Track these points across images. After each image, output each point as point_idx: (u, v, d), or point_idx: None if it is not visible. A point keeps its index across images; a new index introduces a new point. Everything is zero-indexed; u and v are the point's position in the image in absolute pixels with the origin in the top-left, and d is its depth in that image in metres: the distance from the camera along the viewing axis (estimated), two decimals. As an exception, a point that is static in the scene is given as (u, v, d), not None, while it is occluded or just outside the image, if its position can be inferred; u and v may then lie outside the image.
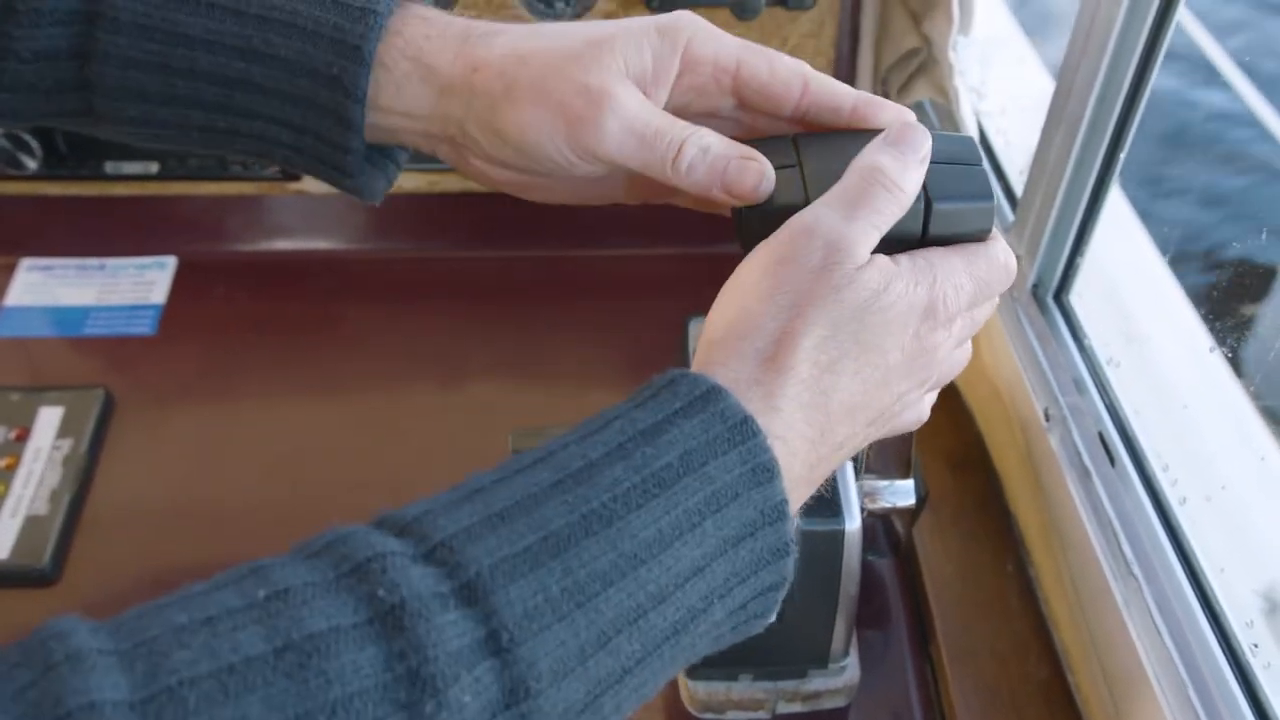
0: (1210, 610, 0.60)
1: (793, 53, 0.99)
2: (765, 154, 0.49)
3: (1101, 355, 0.73)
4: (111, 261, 1.00)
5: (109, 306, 0.96)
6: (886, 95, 0.98)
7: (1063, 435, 0.70)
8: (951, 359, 0.50)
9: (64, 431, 0.83)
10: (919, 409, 0.51)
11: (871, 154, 0.47)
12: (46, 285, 0.98)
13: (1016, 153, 0.89)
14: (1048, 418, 0.72)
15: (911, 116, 0.50)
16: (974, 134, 0.90)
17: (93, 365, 0.92)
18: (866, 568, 0.77)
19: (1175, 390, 0.73)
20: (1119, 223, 0.86)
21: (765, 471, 0.41)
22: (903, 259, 0.47)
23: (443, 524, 0.38)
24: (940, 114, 0.97)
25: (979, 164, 0.50)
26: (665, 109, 0.50)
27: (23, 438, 0.83)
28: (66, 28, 0.49)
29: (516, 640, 0.35)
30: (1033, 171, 0.77)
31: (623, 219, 1.03)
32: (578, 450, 0.40)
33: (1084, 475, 0.68)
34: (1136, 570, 0.63)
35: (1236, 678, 0.57)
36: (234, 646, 0.33)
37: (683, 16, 0.50)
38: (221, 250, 1.01)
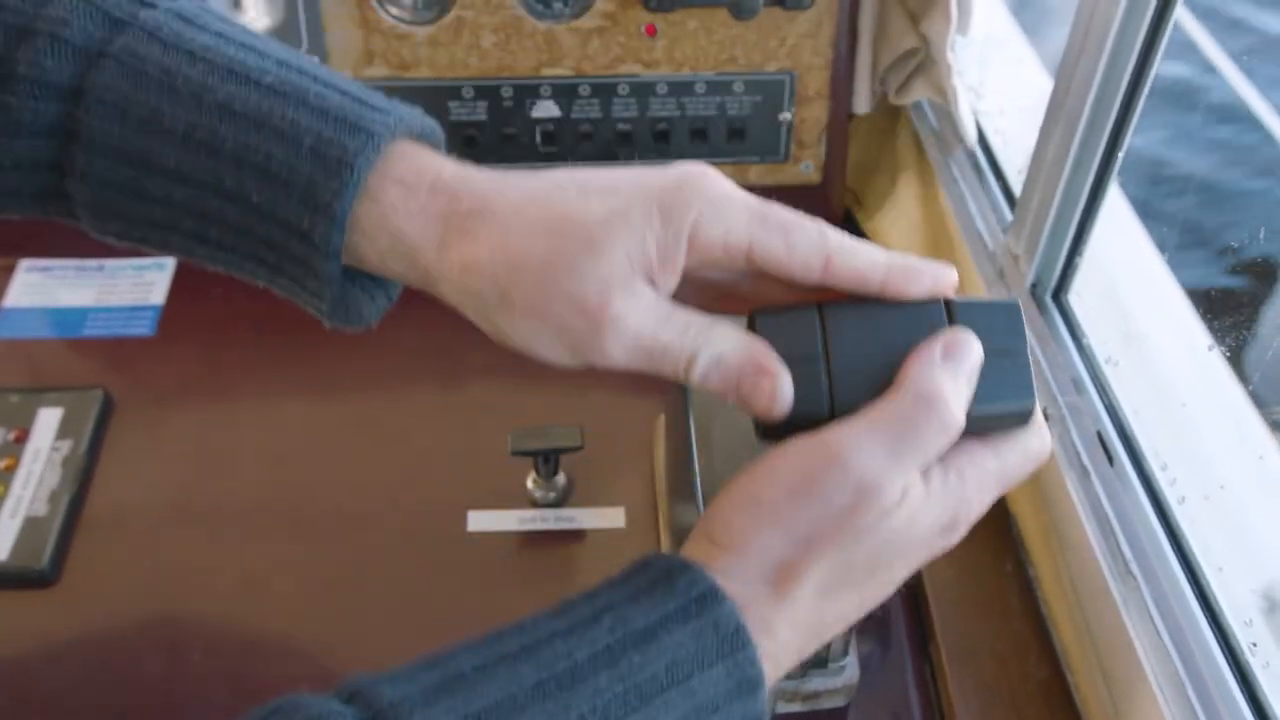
0: (1209, 609, 0.60)
1: (790, 53, 0.99)
2: (786, 333, 0.45)
3: (1100, 355, 0.73)
4: (110, 262, 1.00)
5: (108, 307, 0.96)
6: (885, 95, 0.98)
7: (1061, 435, 0.70)
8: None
9: (63, 432, 0.83)
10: None
11: (927, 372, 0.44)
12: (45, 286, 0.98)
13: (1015, 152, 0.89)
14: (1046, 417, 0.72)
15: (952, 276, 0.46)
16: (972, 133, 0.90)
17: (92, 366, 0.92)
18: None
19: (1174, 389, 0.73)
20: (1118, 221, 0.86)
21: (750, 684, 0.41)
22: (935, 481, 0.45)
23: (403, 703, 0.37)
24: (939, 114, 0.97)
25: (1022, 349, 0.46)
26: (679, 281, 0.46)
27: (22, 439, 0.83)
28: (44, 140, 0.48)
29: None
30: (1031, 170, 0.77)
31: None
32: (564, 647, 0.40)
33: (1083, 475, 0.68)
34: (1135, 569, 0.63)
35: (1235, 677, 0.57)
36: None
37: (687, 185, 0.45)
38: (220, 251, 1.01)
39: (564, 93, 0.94)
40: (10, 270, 0.98)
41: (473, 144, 0.96)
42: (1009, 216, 0.83)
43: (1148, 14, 0.65)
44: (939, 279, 0.46)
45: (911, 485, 0.44)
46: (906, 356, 0.45)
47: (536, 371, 0.91)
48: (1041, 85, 0.99)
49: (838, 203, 1.01)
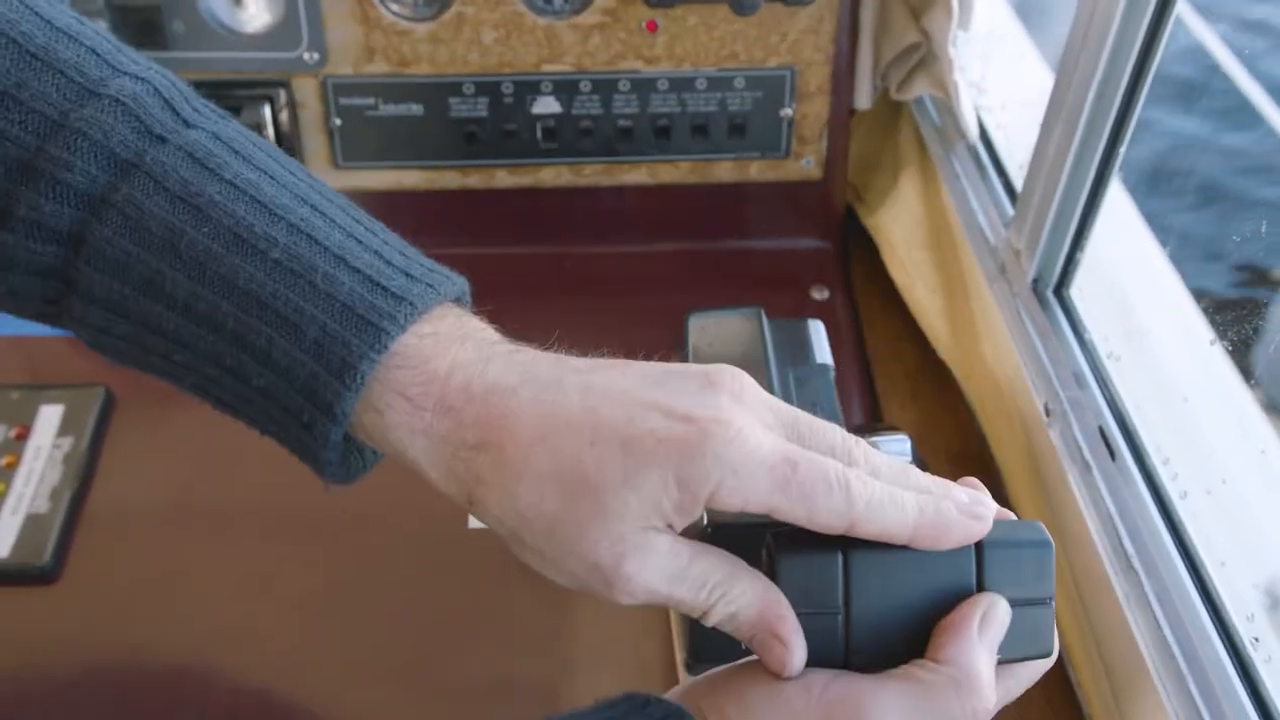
0: (1211, 604, 0.60)
1: (791, 49, 0.99)
2: (807, 580, 0.44)
3: (1102, 350, 0.73)
4: (111, 259, 0.99)
5: (109, 305, 0.96)
6: (886, 91, 0.98)
7: (1063, 430, 0.70)
8: None
9: (64, 429, 0.83)
10: None
11: (966, 652, 0.42)
12: (46, 283, 0.98)
13: (1017, 147, 0.89)
14: (1048, 412, 0.72)
15: (984, 525, 0.44)
16: (974, 128, 0.90)
17: (93, 364, 0.90)
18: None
19: (1176, 384, 0.73)
20: (1119, 217, 0.86)
21: None
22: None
23: None
24: (940, 109, 0.97)
25: (1050, 598, 0.45)
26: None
27: (23, 436, 0.83)
28: (42, 279, 0.46)
29: None
30: (1033, 166, 0.77)
31: (623, 216, 1.03)
32: None
33: (1084, 469, 0.68)
34: (1137, 564, 0.63)
35: (1238, 672, 0.57)
36: None
37: (708, 450, 0.41)
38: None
39: (565, 89, 0.94)
40: (11, 267, 0.98)
41: (473, 140, 0.96)
42: (1010, 212, 0.83)
43: (1149, 8, 0.65)
44: (969, 532, 0.44)
45: None
46: (936, 617, 0.44)
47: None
48: (1043, 80, 0.99)
49: (839, 198, 1.01)
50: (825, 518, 0.42)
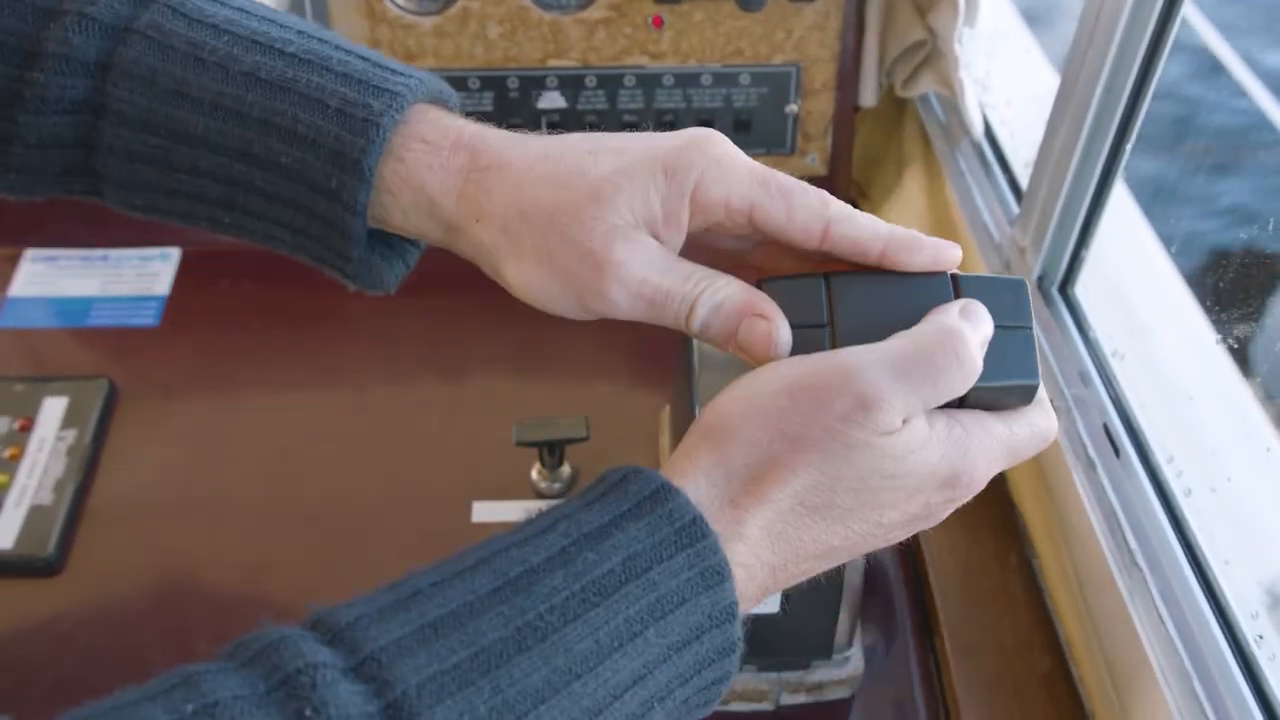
0: (1215, 602, 0.60)
1: (797, 46, 0.99)
2: (793, 300, 0.45)
3: (1106, 347, 0.73)
4: (115, 252, 1.00)
5: (113, 297, 0.96)
6: (892, 88, 0.98)
7: (1068, 427, 0.70)
8: (944, 513, 0.47)
9: (68, 422, 0.83)
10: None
11: (948, 316, 0.44)
12: (50, 276, 0.98)
13: (1022, 145, 0.89)
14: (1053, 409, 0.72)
15: (955, 253, 0.46)
16: (978, 125, 0.90)
17: (97, 356, 0.92)
18: (870, 560, 0.77)
19: (1180, 382, 0.73)
20: (1122, 215, 0.86)
21: (715, 574, 0.39)
22: (939, 425, 0.43)
23: (374, 634, 0.37)
24: (945, 106, 0.96)
25: (1028, 326, 0.46)
26: (684, 240, 0.47)
27: (27, 428, 0.83)
28: (71, 117, 0.49)
29: None
30: (1038, 163, 0.76)
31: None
32: (519, 554, 0.39)
33: (1089, 467, 0.68)
34: (1141, 562, 0.63)
35: (1241, 670, 0.57)
36: None
37: (693, 146, 0.46)
38: (225, 242, 1.00)
39: (570, 84, 0.94)
40: (15, 260, 0.99)
41: (478, 135, 0.96)
42: (1015, 209, 0.83)
43: (1156, 7, 0.65)
44: (940, 253, 0.46)
45: (914, 416, 0.43)
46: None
47: (541, 363, 0.92)
48: (1048, 77, 0.98)
49: (844, 195, 1.01)
50: (803, 216, 0.45)
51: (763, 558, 0.42)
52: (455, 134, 0.47)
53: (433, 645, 0.36)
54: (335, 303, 0.97)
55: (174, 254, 1.00)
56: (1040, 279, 0.78)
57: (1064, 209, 0.75)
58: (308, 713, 0.34)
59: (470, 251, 0.49)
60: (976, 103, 0.90)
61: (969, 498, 0.45)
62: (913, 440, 0.42)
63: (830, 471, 0.42)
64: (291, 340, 0.93)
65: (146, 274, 0.98)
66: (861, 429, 0.41)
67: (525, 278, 0.47)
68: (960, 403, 0.45)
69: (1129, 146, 0.71)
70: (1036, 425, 0.46)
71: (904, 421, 0.42)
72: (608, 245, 0.45)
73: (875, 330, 0.44)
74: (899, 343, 0.43)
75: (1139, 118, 0.70)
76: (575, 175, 0.46)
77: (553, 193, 0.46)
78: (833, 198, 0.46)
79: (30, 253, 0.99)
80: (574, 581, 0.38)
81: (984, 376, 0.44)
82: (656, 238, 0.46)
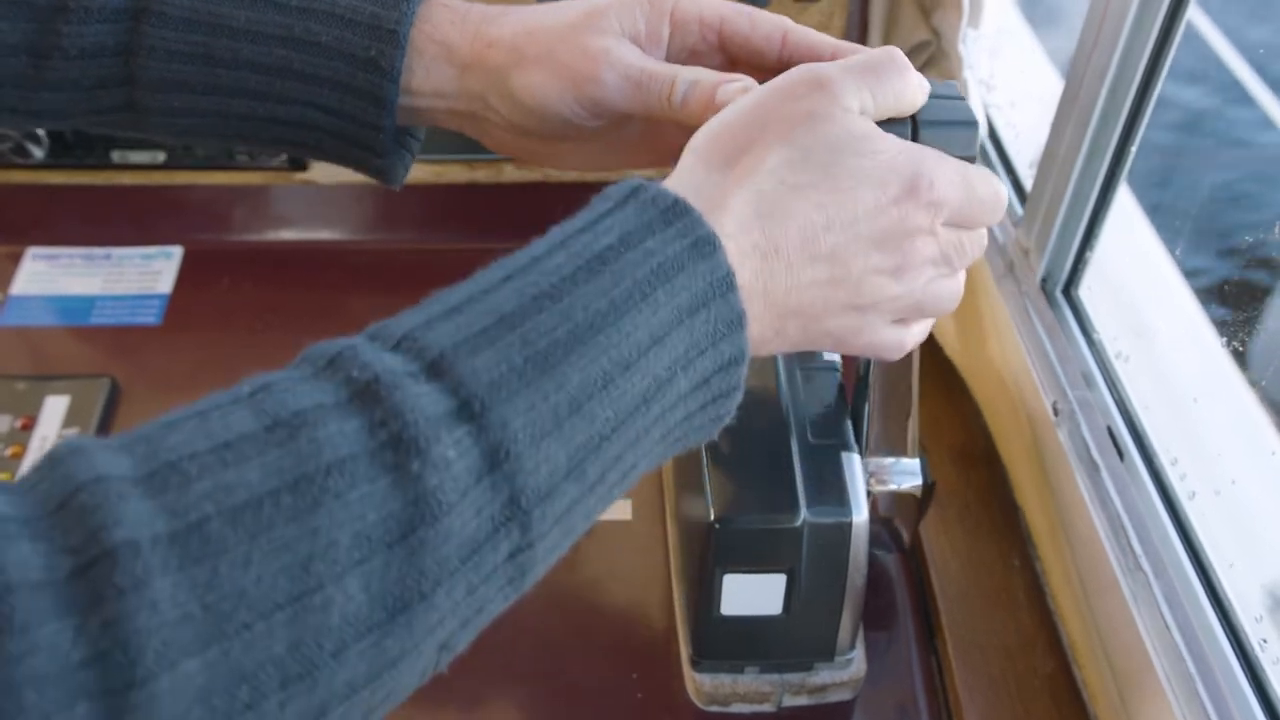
0: (1219, 605, 0.60)
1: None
2: None
3: (1110, 349, 0.73)
4: (117, 251, 1.00)
5: (115, 296, 0.96)
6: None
7: (1071, 429, 0.70)
8: (936, 286, 0.48)
9: (70, 420, 0.83)
10: (898, 335, 0.50)
11: (891, 48, 0.49)
12: (52, 275, 0.98)
13: (1026, 146, 0.89)
14: (1056, 412, 0.72)
15: (897, 52, 0.50)
16: (983, 127, 0.90)
17: (99, 354, 0.92)
18: (873, 562, 0.77)
19: (1184, 384, 0.73)
20: (1126, 218, 0.85)
21: (707, 244, 0.42)
22: (892, 135, 0.47)
23: (405, 321, 0.39)
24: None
25: (962, 96, 0.51)
26: (663, 56, 0.54)
27: (29, 426, 0.83)
28: (114, 24, 0.52)
29: (487, 406, 0.37)
30: (1042, 165, 0.76)
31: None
32: (523, 253, 0.42)
33: (1092, 469, 0.68)
34: (1145, 565, 0.62)
35: (1245, 673, 0.57)
36: (226, 426, 0.35)
37: None
38: (227, 240, 1.01)
39: (573, 84, 0.94)
40: (17, 258, 0.98)
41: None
42: (1020, 211, 0.83)
43: (1161, 8, 0.65)
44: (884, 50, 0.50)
45: (868, 108, 0.47)
46: None
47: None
48: (1053, 78, 0.98)
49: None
50: (765, 25, 0.53)
51: (752, 237, 0.44)
52: (469, 4, 0.55)
53: (457, 319, 0.39)
54: (336, 302, 0.96)
55: (176, 252, 1.00)
56: (1044, 280, 0.78)
57: (1068, 211, 0.74)
58: (355, 373, 0.37)
59: (479, 85, 0.54)
60: (981, 104, 0.90)
61: (935, 248, 0.47)
62: (871, 127, 0.46)
63: (800, 144, 0.45)
64: (293, 339, 0.92)
65: (148, 272, 0.98)
66: (820, 102, 0.46)
67: (529, 79, 0.53)
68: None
69: (1134, 148, 0.71)
70: (987, 177, 0.49)
71: (860, 108, 0.47)
72: (602, 43, 0.52)
73: None
74: (849, 58, 0.49)
75: (1144, 120, 0.70)
76: (573, 5, 0.54)
77: (555, 15, 0.54)
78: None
79: (32, 251, 0.99)
80: (576, 259, 0.41)
81: (924, 124, 0.49)
82: (640, 49, 0.54)
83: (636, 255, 0.41)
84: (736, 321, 0.42)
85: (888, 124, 0.48)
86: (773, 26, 0.54)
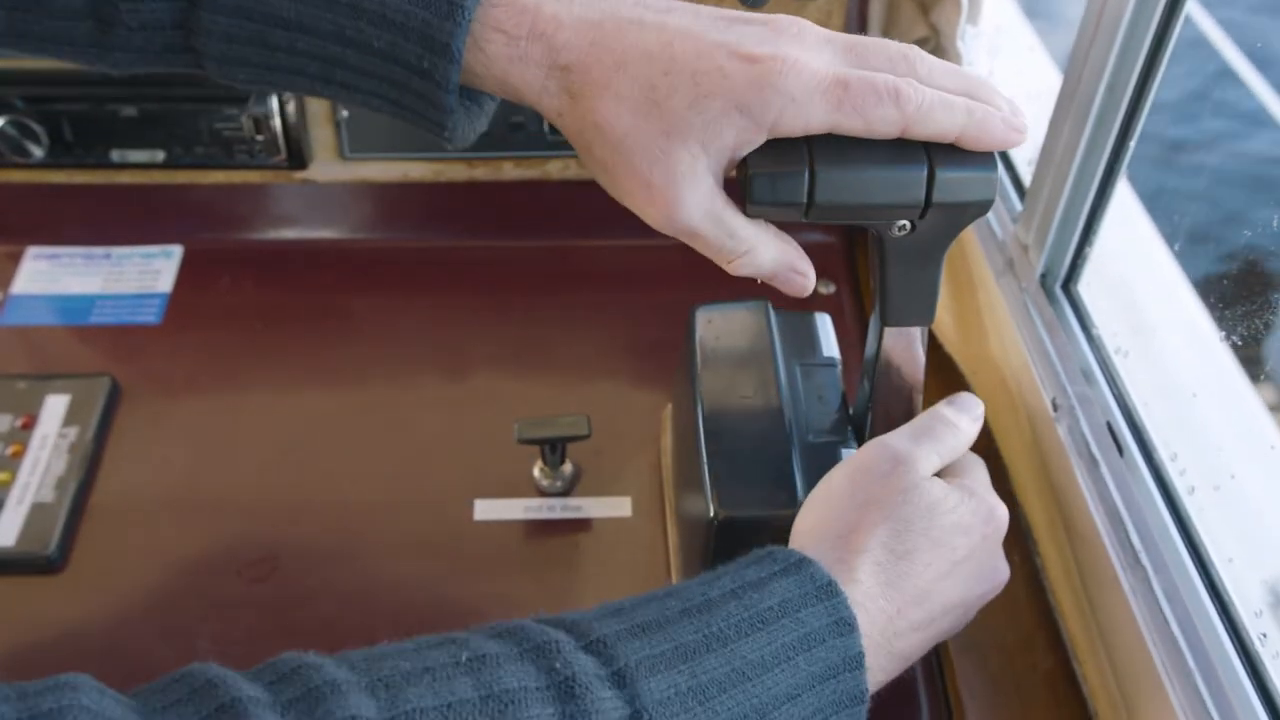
0: (1219, 600, 0.60)
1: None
2: (774, 146, 0.51)
3: (1110, 345, 0.73)
4: (117, 250, 1.00)
5: (115, 295, 0.96)
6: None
7: (1070, 425, 0.70)
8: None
9: (70, 419, 0.83)
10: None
11: (937, 406, 0.59)
12: (52, 274, 0.98)
13: (1026, 142, 0.89)
14: (1055, 407, 0.72)
15: (1019, 137, 0.53)
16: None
17: (99, 354, 0.92)
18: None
19: (1184, 380, 0.73)
20: (1126, 213, 0.85)
21: (846, 625, 0.49)
22: (953, 488, 0.56)
23: (596, 627, 0.46)
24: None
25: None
26: None
27: (29, 425, 0.83)
28: (167, 3, 0.52)
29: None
30: (1041, 161, 0.76)
31: (629, 210, 1.03)
32: (699, 590, 0.49)
33: (1092, 465, 0.68)
34: (1145, 560, 0.62)
35: (1245, 668, 0.57)
36: (450, 690, 0.42)
37: (769, 84, 0.49)
38: (228, 239, 1.01)
39: (572, 81, 0.94)
40: (17, 258, 0.99)
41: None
42: (1019, 206, 0.83)
43: (1159, 3, 0.65)
44: (1007, 140, 0.53)
45: (937, 466, 0.57)
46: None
47: (543, 362, 0.92)
48: (1052, 75, 0.98)
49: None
50: (881, 126, 0.50)
51: (877, 603, 0.52)
52: (531, 20, 0.50)
53: (642, 639, 0.46)
54: (338, 301, 0.97)
55: (176, 252, 1.00)
56: (1043, 277, 0.78)
57: (1067, 206, 0.74)
58: (558, 665, 0.44)
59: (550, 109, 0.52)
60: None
61: (1004, 528, 0.58)
62: (944, 490, 0.55)
63: (901, 516, 0.54)
64: (293, 338, 0.93)
65: (149, 271, 0.98)
66: (905, 477, 0.55)
67: (595, 171, 0.52)
68: (925, 207, 0.52)
69: (1132, 144, 0.71)
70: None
71: (931, 471, 0.56)
72: (667, 185, 0.50)
73: (847, 153, 0.50)
74: (907, 426, 0.58)
75: (1142, 115, 0.70)
76: (650, 104, 0.49)
77: (628, 119, 0.49)
78: (911, 89, 0.50)
79: (32, 250, 0.99)
80: (744, 610, 0.48)
81: (941, 166, 0.51)
82: (725, 167, 0.51)
83: (790, 622, 0.48)
84: (859, 698, 0.50)
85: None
86: (890, 126, 0.50)
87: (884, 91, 0.49)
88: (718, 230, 0.51)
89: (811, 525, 0.55)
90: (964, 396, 0.61)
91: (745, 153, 0.50)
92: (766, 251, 0.53)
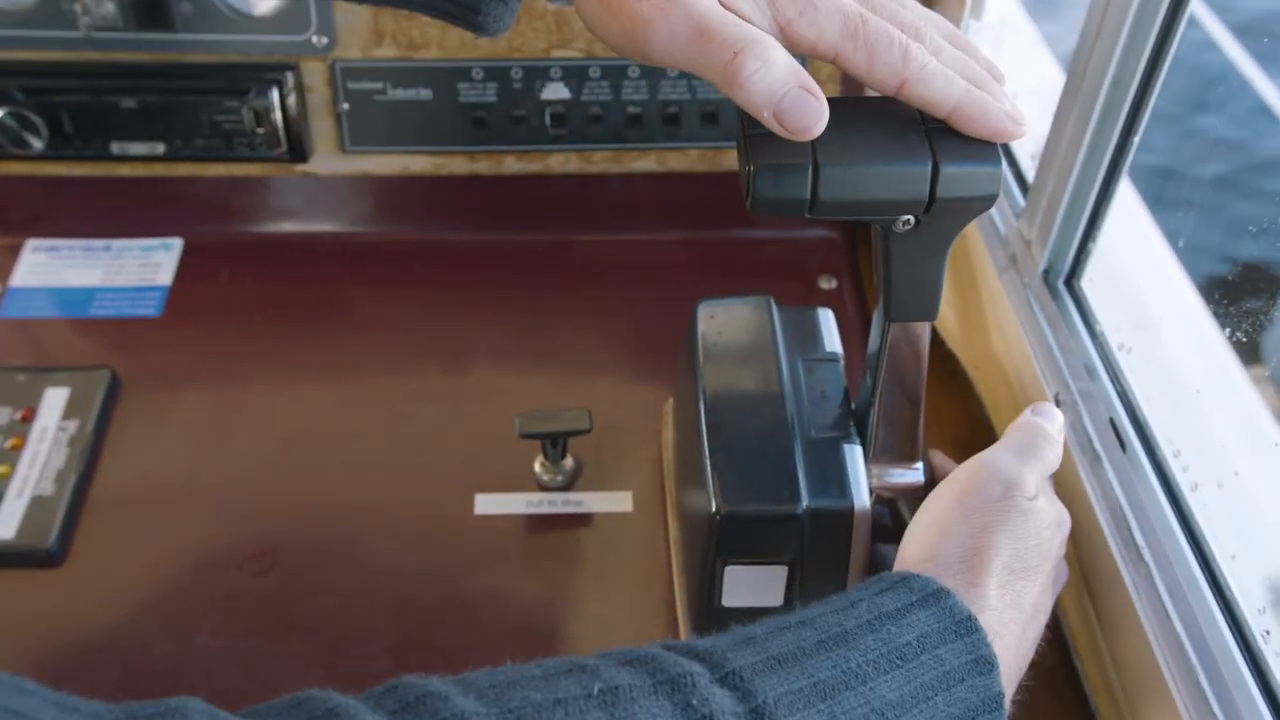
0: (1222, 597, 0.59)
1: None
2: (779, 147, 0.50)
3: (1113, 341, 0.73)
4: (117, 243, 0.99)
5: (115, 288, 0.96)
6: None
7: (1073, 421, 0.70)
8: None
9: (70, 412, 0.83)
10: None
11: (1031, 419, 0.61)
12: (52, 266, 0.98)
13: (1028, 137, 0.88)
14: (1058, 403, 0.71)
15: (1019, 130, 0.52)
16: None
17: (98, 346, 0.92)
18: (874, 555, 0.77)
19: (1187, 376, 0.73)
20: (1129, 209, 0.85)
21: (986, 664, 0.48)
22: (1039, 500, 0.57)
23: (731, 658, 0.45)
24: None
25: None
26: None
27: (29, 418, 0.83)
28: None
29: None
30: (1044, 156, 0.76)
31: (631, 204, 1.02)
32: (835, 619, 0.48)
33: (1095, 461, 0.67)
34: (1147, 557, 0.62)
35: (1248, 665, 0.56)
36: None
37: None
38: (228, 232, 1.01)
39: (574, 75, 0.94)
40: (17, 250, 0.98)
41: (482, 125, 0.96)
42: (1022, 202, 0.83)
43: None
44: (1002, 129, 0.51)
45: (1036, 485, 0.57)
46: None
47: (544, 355, 0.92)
48: (1055, 69, 0.98)
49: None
50: (881, 71, 0.49)
51: (1010, 629, 0.52)
52: None
53: (780, 672, 0.45)
54: (338, 294, 0.96)
55: (176, 244, 0.99)
56: (1046, 272, 0.78)
57: (1070, 202, 0.74)
58: (694, 702, 0.43)
59: None
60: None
61: (1068, 531, 0.60)
62: (1041, 506, 0.56)
63: (1018, 538, 0.54)
64: (294, 331, 0.93)
65: (149, 264, 0.98)
66: (1018, 500, 0.55)
67: (588, 14, 0.50)
68: (929, 202, 0.51)
69: (1136, 139, 0.71)
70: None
71: (1036, 490, 0.57)
72: None
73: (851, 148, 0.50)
74: (1008, 439, 0.59)
75: (1147, 111, 0.69)
76: None
77: None
78: (919, 52, 0.49)
79: (32, 243, 0.99)
80: (882, 645, 0.47)
81: (945, 161, 0.50)
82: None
83: (929, 659, 0.47)
84: None
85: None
86: (890, 74, 0.49)
87: (896, 43, 0.49)
88: (724, 19, 0.47)
89: (927, 552, 0.54)
90: (1046, 407, 0.62)
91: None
92: (780, 54, 0.47)
